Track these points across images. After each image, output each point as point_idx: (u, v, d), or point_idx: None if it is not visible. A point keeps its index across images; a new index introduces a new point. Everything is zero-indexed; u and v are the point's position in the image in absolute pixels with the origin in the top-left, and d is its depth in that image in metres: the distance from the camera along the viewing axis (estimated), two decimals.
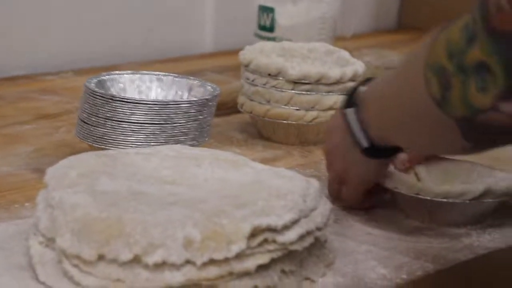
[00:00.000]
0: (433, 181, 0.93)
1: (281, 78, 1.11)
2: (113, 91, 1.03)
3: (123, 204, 0.75)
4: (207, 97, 1.01)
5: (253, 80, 1.13)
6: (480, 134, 0.73)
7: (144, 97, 1.04)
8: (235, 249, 0.72)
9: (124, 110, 0.96)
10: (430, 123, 0.76)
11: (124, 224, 0.72)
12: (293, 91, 1.11)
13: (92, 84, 1.00)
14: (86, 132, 0.99)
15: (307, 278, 0.78)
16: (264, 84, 1.12)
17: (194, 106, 0.99)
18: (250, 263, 0.73)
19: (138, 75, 1.06)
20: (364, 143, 0.87)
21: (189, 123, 0.99)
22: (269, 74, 1.11)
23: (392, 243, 0.87)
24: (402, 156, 0.92)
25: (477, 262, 0.86)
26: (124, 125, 0.97)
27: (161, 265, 0.71)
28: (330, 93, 1.11)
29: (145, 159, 0.84)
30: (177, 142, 0.98)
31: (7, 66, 1.39)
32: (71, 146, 1.07)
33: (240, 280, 0.73)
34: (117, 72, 1.06)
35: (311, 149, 1.12)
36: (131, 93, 1.04)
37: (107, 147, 0.96)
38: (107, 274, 0.72)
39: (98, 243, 0.72)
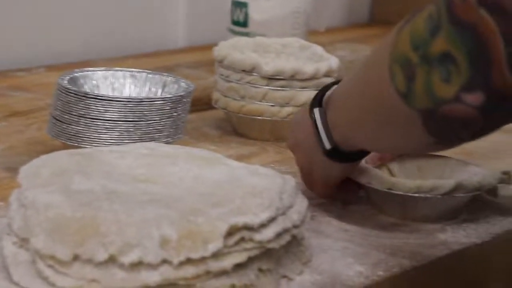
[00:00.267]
0: (407, 177, 0.93)
1: (255, 74, 1.10)
2: (86, 88, 1.02)
3: (98, 203, 0.74)
4: (181, 94, 1.00)
5: (227, 76, 1.12)
6: (444, 128, 0.72)
7: (117, 94, 1.03)
8: (211, 248, 0.71)
9: (98, 108, 0.96)
10: (394, 118, 0.75)
11: (99, 224, 0.71)
12: (267, 87, 1.10)
13: (65, 81, 0.99)
14: (59, 130, 0.98)
15: (284, 276, 0.78)
16: (239, 80, 1.11)
17: (169, 103, 0.98)
18: (227, 262, 0.72)
19: (111, 72, 1.05)
20: (327, 145, 0.86)
21: (163, 120, 0.98)
22: (244, 70, 1.11)
23: (369, 240, 0.87)
24: (373, 153, 0.92)
25: (453, 257, 0.86)
26: (98, 123, 0.96)
27: (137, 265, 0.70)
28: (305, 89, 1.11)
29: (119, 157, 0.83)
30: (152, 139, 0.97)
31: None
32: (43, 144, 1.06)
33: (217, 279, 0.72)
34: (90, 68, 1.05)
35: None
36: (105, 90, 1.03)
37: (80, 145, 0.95)
38: (82, 274, 0.71)
39: (73, 243, 0.71)
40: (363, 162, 0.92)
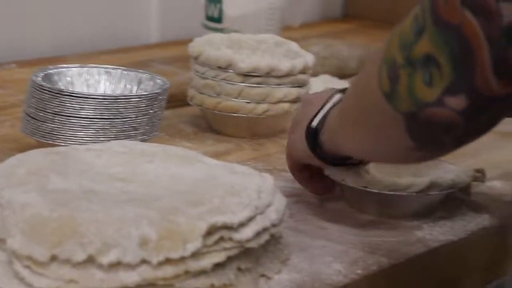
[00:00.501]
0: (382, 175, 0.93)
1: (231, 70, 1.10)
2: (61, 85, 1.01)
3: (75, 203, 0.73)
4: (157, 91, 1.00)
5: (203, 73, 1.12)
6: (426, 132, 0.71)
7: (92, 91, 1.02)
8: (191, 248, 0.71)
9: (73, 105, 0.95)
10: (378, 120, 0.74)
11: (77, 224, 0.70)
12: (243, 84, 1.10)
13: (39, 78, 0.98)
14: (33, 127, 0.97)
15: (262, 275, 0.77)
16: (214, 77, 1.11)
17: (144, 100, 0.98)
18: (206, 262, 0.72)
19: (86, 69, 1.04)
20: (315, 123, 0.86)
21: (139, 118, 0.97)
22: (219, 67, 1.10)
23: (347, 238, 0.87)
24: None
25: (429, 255, 0.87)
26: (73, 120, 0.95)
27: (116, 265, 0.70)
28: (281, 86, 1.11)
29: (96, 156, 0.83)
30: (128, 137, 0.96)
31: None
32: (17, 141, 1.04)
33: (197, 279, 0.72)
34: (64, 65, 1.04)
35: (262, 142, 1.12)
36: (79, 87, 1.03)
37: (55, 143, 0.94)
38: (60, 275, 0.70)
39: (50, 243, 0.70)
40: None
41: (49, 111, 0.95)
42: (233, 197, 0.76)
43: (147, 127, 0.98)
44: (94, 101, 0.95)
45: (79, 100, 0.95)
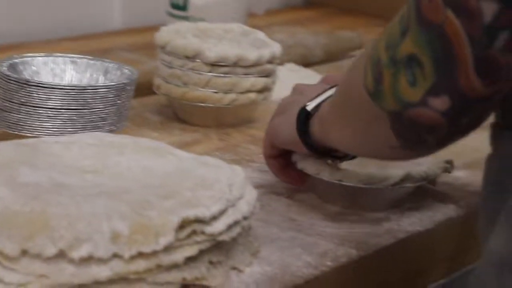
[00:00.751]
0: (352, 166, 0.93)
1: (198, 60, 1.09)
2: (26, 74, 1.00)
3: (46, 196, 0.72)
4: (125, 81, 0.99)
5: (169, 62, 1.11)
6: (410, 131, 0.71)
7: (58, 81, 1.01)
8: (163, 242, 0.71)
9: (40, 95, 0.94)
10: (364, 117, 0.74)
11: (48, 218, 0.70)
12: (210, 74, 1.09)
13: (4, 68, 0.97)
14: None
15: (234, 268, 0.78)
16: (181, 67, 1.10)
17: (112, 91, 0.97)
18: (179, 255, 0.72)
19: (51, 58, 1.03)
20: (309, 107, 0.85)
21: (107, 108, 0.97)
22: (186, 56, 1.10)
23: (316, 229, 0.87)
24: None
25: (398, 246, 0.87)
26: (40, 111, 0.94)
27: (87, 260, 0.69)
28: (248, 76, 1.10)
29: (65, 148, 0.82)
30: (95, 127, 0.95)
31: None
32: None
33: (169, 273, 0.72)
34: (29, 54, 1.03)
35: (229, 132, 1.11)
36: (45, 77, 1.01)
37: (22, 133, 0.93)
38: (31, 270, 0.70)
39: (21, 238, 0.69)
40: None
41: (15, 101, 0.94)
42: (204, 190, 0.76)
43: (115, 118, 0.98)
44: (62, 92, 0.94)
45: (46, 90, 0.94)
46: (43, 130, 0.94)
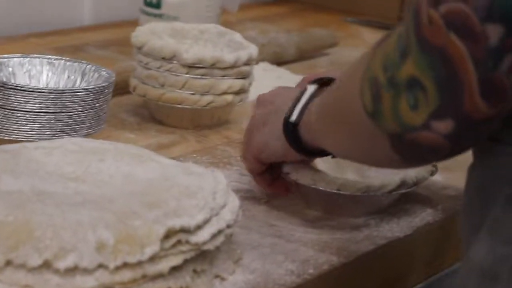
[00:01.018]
0: (329, 171, 0.93)
1: (175, 62, 1.09)
2: (2, 76, 0.99)
3: (29, 206, 0.72)
4: (103, 84, 0.98)
5: (146, 63, 1.10)
6: (411, 151, 0.70)
7: (35, 82, 1.00)
8: (149, 252, 0.70)
9: (18, 99, 0.93)
10: (361, 133, 0.73)
11: (33, 228, 0.69)
12: (188, 75, 1.09)
13: None
14: None
15: (217, 276, 0.78)
16: (158, 68, 1.10)
17: (91, 94, 0.96)
18: (164, 265, 0.72)
19: (27, 59, 1.02)
20: (293, 118, 0.84)
21: (85, 112, 0.96)
22: (163, 58, 1.09)
23: (296, 235, 0.87)
24: None
25: (378, 252, 0.88)
26: (18, 114, 0.93)
27: (72, 270, 0.69)
28: (225, 77, 1.10)
29: (46, 154, 0.81)
30: (73, 131, 0.95)
31: None
32: None
33: (154, 282, 0.72)
34: (5, 55, 1.01)
35: (206, 133, 1.11)
36: (21, 78, 1.00)
37: (0, 137, 0.92)
38: (15, 280, 0.69)
39: (5, 248, 0.69)
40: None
41: None
42: (189, 199, 0.76)
43: (93, 121, 0.97)
44: (40, 95, 0.93)
45: (24, 93, 0.93)
46: (21, 133, 0.93)
